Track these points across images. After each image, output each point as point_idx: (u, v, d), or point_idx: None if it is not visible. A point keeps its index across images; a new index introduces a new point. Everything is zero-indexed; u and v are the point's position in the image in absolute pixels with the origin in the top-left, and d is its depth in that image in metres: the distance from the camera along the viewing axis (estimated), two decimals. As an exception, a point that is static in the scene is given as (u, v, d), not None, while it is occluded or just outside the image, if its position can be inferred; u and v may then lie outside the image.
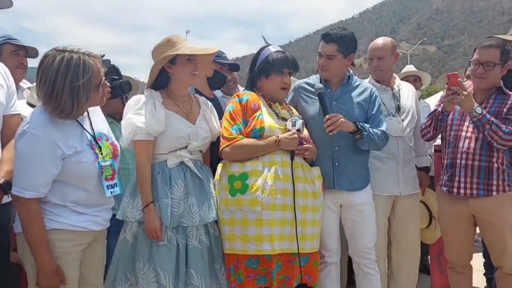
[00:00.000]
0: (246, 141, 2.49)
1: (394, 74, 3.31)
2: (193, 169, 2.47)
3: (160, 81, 2.53)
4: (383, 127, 2.83)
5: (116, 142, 2.25)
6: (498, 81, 2.86)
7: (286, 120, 2.57)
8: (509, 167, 2.86)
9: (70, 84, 1.88)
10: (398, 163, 3.08)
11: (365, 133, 2.70)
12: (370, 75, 3.29)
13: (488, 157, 2.81)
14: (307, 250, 2.51)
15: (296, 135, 2.47)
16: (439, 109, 2.91)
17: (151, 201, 2.35)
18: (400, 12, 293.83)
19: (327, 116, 2.62)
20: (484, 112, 2.69)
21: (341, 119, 2.61)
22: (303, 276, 2.52)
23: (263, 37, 2.77)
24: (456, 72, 2.77)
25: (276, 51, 2.62)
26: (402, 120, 3.13)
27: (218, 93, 3.53)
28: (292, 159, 2.49)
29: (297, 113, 2.69)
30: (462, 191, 2.84)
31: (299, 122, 2.53)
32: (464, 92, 2.64)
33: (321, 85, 2.76)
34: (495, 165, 2.81)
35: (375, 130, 2.77)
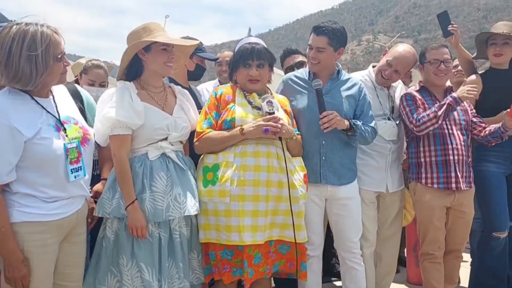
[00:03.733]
0: (212, 133, 2.50)
1: None
2: (175, 160, 2.41)
3: (133, 70, 2.44)
4: (373, 124, 2.85)
5: (87, 127, 2.20)
6: None
7: (259, 108, 2.53)
8: None
9: (28, 52, 1.87)
10: (387, 161, 3.09)
11: (358, 131, 2.72)
12: (373, 72, 3.19)
13: (468, 152, 3.10)
14: (275, 237, 2.51)
15: (260, 123, 2.43)
16: (451, 99, 2.92)
17: (134, 198, 2.28)
18: (378, 4, 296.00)
19: (323, 113, 2.62)
20: None
21: (337, 117, 2.63)
22: (286, 263, 2.55)
23: (249, 30, 2.76)
24: None
25: (246, 43, 2.59)
26: (396, 123, 3.13)
27: (216, 83, 3.83)
28: (283, 149, 2.50)
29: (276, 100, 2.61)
30: (460, 185, 3.00)
31: (276, 102, 2.53)
32: None
33: (320, 81, 2.72)
34: (469, 159, 3.12)
35: (366, 127, 2.79)
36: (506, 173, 3.26)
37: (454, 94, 2.96)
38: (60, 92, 2.17)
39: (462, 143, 3.04)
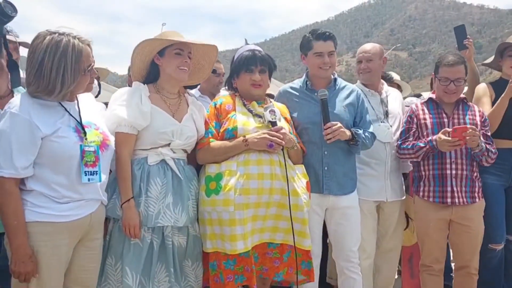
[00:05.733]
0: (215, 144, 2.51)
1: (381, 80, 3.33)
2: (173, 168, 2.40)
3: (151, 74, 2.49)
4: (371, 129, 2.88)
5: (108, 133, 2.22)
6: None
7: (260, 117, 2.54)
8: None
9: (58, 64, 1.92)
10: (386, 169, 3.08)
11: (360, 140, 2.72)
12: (358, 80, 3.30)
13: (471, 166, 2.99)
14: (279, 241, 2.50)
15: (264, 136, 2.44)
16: (430, 144, 2.90)
17: (131, 196, 2.30)
18: (374, 17, 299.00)
19: (328, 124, 2.61)
20: (483, 144, 2.90)
21: (341, 128, 2.63)
22: (288, 270, 2.51)
23: (245, 40, 2.82)
24: (466, 126, 2.84)
25: (247, 50, 2.61)
26: (391, 125, 3.13)
27: (196, 92, 3.65)
28: (284, 156, 2.50)
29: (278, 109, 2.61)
30: (456, 200, 2.93)
31: (278, 111, 2.54)
32: (473, 138, 2.78)
33: (325, 91, 2.69)
34: (475, 173, 3.02)
35: (366, 134, 2.81)
36: (505, 186, 3.23)
37: (434, 141, 2.88)
38: (85, 98, 2.22)
39: (464, 157, 2.96)
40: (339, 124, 2.63)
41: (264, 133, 2.44)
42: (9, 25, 3.24)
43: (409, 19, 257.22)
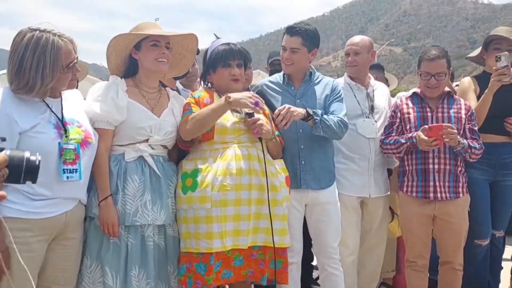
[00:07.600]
0: (196, 112, 2.42)
1: (369, 74, 3.29)
2: (151, 165, 2.34)
3: (129, 68, 2.45)
4: (341, 114, 2.76)
5: (90, 131, 2.19)
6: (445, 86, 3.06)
7: (238, 112, 2.50)
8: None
9: (37, 61, 1.92)
10: (370, 165, 3.08)
11: (317, 118, 2.62)
12: (346, 73, 3.29)
13: (455, 161, 2.96)
14: (260, 243, 2.43)
15: (249, 94, 2.41)
16: (411, 141, 2.90)
17: (109, 194, 2.25)
18: (369, 12, 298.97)
19: (275, 112, 2.55)
20: (465, 141, 2.87)
21: (290, 109, 2.54)
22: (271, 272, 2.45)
23: (215, 35, 2.76)
24: (441, 124, 2.82)
25: (222, 44, 2.56)
26: (376, 121, 3.12)
27: (178, 85, 3.56)
28: (263, 151, 2.46)
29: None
30: (438, 195, 2.91)
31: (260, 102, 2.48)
32: (449, 137, 2.76)
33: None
34: (459, 168, 2.99)
35: (330, 116, 2.70)
36: (490, 180, 3.22)
37: (414, 138, 2.87)
38: (71, 95, 2.20)
39: (447, 151, 2.94)
40: (287, 105, 2.56)
41: (247, 93, 2.42)
42: None
43: (404, 14, 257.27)
